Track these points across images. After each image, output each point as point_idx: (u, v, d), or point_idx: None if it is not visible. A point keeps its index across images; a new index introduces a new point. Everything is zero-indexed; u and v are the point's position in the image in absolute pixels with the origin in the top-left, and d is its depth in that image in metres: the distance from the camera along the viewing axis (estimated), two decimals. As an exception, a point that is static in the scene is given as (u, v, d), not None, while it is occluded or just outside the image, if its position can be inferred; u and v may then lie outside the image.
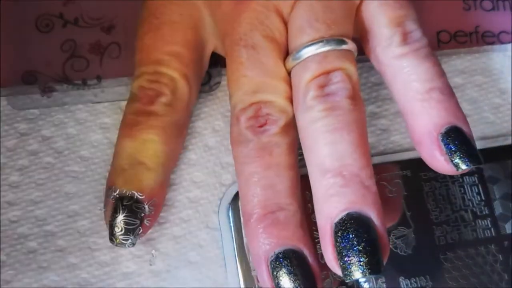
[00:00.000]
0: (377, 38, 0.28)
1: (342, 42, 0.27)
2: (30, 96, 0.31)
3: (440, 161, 0.26)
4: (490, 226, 0.30)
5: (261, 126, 0.27)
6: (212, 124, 0.31)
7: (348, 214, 0.25)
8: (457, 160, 0.26)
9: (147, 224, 0.28)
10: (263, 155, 0.27)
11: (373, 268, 0.24)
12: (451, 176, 0.31)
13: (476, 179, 0.31)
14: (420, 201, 0.30)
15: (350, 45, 0.28)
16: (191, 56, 0.29)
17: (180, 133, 0.30)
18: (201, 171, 0.31)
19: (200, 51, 0.30)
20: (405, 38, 0.28)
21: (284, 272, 0.25)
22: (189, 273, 0.29)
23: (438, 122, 0.26)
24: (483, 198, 0.30)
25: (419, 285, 0.29)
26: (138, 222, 0.27)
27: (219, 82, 0.32)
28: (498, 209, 0.30)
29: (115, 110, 0.31)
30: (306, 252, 0.26)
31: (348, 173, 0.25)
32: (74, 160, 0.30)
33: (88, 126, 0.31)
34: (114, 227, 0.27)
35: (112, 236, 0.27)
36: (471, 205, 0.30)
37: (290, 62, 0.28)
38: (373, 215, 0.25)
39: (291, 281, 0.25)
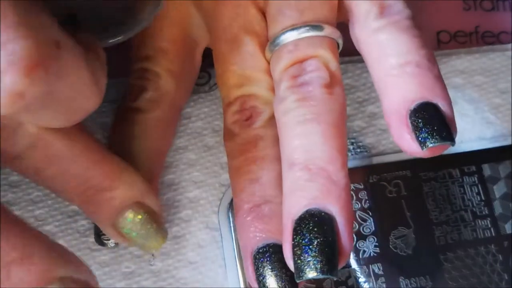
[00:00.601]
0: (356, 15, 0.27)
1: (317, 28, 0.26)
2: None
3: (406, 140, 0.25)
4: (490, 226, 0.30)
5: (247, 119, 0.27)
6: (211, 124, 0.31)
7: (307, 211, 0.23)
8: (423, 136, 0.24)
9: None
10: (248, 148, 0.27)
11: (326, 269, 0.23)
12: (451, 176, 0.31)
13: (476, 179, 0.31)
14: (420, 201, 0.30)
15: (328, 31, 0.26)
16: (177, 51, 0.29)
17: (166, 129, 0.29)
18: (201, 171, 0.31)
19: (189, 47, 0.30)
20: (383, 12, 0.26)
21: (266, 267, 0.25)
22: (189, 273, 0.29)
23: (408, 98, 0.24)
24: (483, 198, 0.30)
25: (419, 285, 0.29)
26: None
27: (219, 82, 0.32)
28: (498, 209, 0.30)
29: (115, 110, 0.31)
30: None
31: (315, 167, 0.24)
32: (74, 160, 0.30)
33: (88, 126, 0.31)
34: (97, 226, 0.27)
35: (96, 235, 0.28)
36: (471, 205, 0.30)
37: (268, 53, 0.27)
38: (336, 210, 0.23)
39: (272, 276, 0.25)
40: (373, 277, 0.29)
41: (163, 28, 0.29)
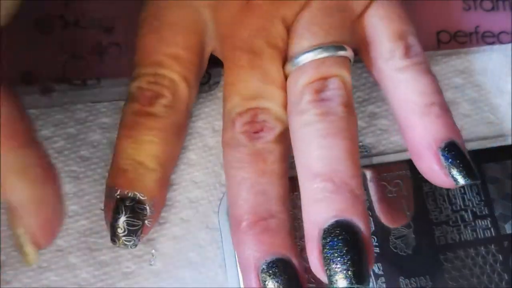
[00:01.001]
0: (379, 50, 0.29)
1: (341, 48, 0.28)
2: (30, 96, 0.31)
3: (439, 174, 0.27)
4: (490, 226, 0.30)
5: (256, 132, 0.28)
6: (212, 124, 0.31)
7: (338, 222, 0.25)
8: (456, 175, 0.27)
9: (148, 225, 0.28)
10: (256, 161, 0.27)
11: (359, 278, 0.24)
12: (451, 176, 0.31)
13: (476, 179, 0.31)
14: (420, 201, 0.30)
15: (348, 52, 0.28)
16: (191, 58, 0.29)
17: (179, 134, 0.30)
18: (201, 171, 0.31)
19: (200, 53, 0.30)
20: (407, 52, 0.28)
21: (275, 281, 0.25)
22: (189, 273, 0.29)
23: (437, 137, 0.27)
24: (483, 198, 0.30)
25: (419, 285, 0.29)
26: (141, 223, 0.27)
27: (218, 82, 0.32)
28: (498, 209, 0.30)
29: (115, 110, 0.31)
30: (295, 262, 0.26)
31: (338, 179, 0.25)
32: (74, 160, 0.30)
33: (88, 126, 0.31)
34: (116, 228, 0.27)
35: (114, 237, 0.27)
36: (471, 205, 0.30)
37: (289, 68, 0.28)
38: (362, 224, 0.25)
39: None
40: (373, 277, 0.29)
41: (178, 34, 0.29)
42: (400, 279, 0.29)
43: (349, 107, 0.27)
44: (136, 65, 0.29)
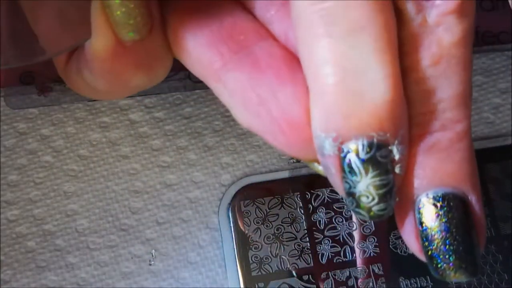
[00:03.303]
0: None
1: None
2: (29, 96, 0.31)
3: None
4: (490, 226, 0.30)
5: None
6: (211, 124, 0.31)
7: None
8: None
9: (400, 173, 0.18)
10: (427, 40, 0.18)
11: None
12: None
13: (476, 179, 0.31)
14: (420, 201, 0.30)
15: None
16: None
17: None
18: (201, 171, 0.31)
19: None
20: None
21: (438, 226, 0.18)
22: (189, 273, 0.29)
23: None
24: (483, 198, 0.30)
25: (419, 285, 0.29)
26: (391, 177, 0.18)
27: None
28: (498, 209, 0.30)
29: (114, 109, 0.31)
30: (474, 200, 0.18)
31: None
32: (73, 159, 0.30)
33: (87, 125, 0.31)
34: (360, 197, 0.18)
35: (358, 209, 0.18)
36: (471, 205, 0.30)
37: None
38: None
39: (448, 243, 0.18)
40: (373, 277, 0.29)
41: None
42: (400, 279, 0.29)
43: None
44: None
